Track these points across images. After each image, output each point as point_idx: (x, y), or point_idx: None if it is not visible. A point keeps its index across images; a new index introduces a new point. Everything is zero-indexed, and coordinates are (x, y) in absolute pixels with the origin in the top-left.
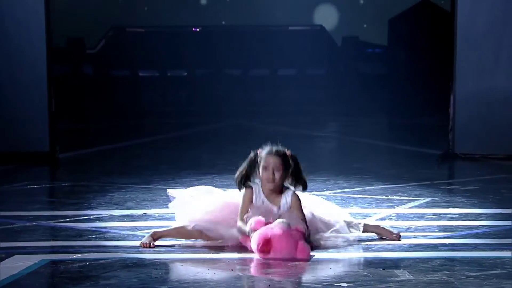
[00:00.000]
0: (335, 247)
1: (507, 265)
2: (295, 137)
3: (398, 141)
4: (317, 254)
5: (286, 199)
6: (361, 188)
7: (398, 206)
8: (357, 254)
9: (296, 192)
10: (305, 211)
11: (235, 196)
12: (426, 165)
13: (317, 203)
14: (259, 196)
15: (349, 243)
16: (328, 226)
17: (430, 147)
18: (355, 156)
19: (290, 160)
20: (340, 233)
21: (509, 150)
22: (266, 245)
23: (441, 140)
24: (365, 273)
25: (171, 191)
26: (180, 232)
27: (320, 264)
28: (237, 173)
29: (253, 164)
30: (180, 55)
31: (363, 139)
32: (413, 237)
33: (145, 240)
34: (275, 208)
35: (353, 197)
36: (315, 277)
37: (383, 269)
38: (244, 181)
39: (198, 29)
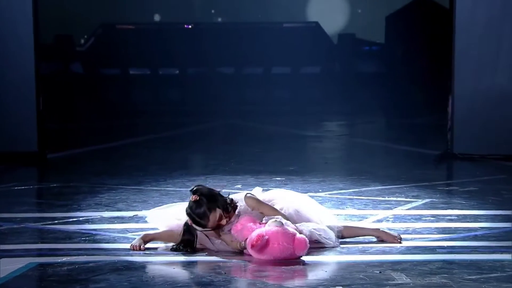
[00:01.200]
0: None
1: (507, 268)
2: (289, 137)
3: (395, 141)
4: (312, 257)
5: (240, 214)
6: (357, 189)
7: (395, 207)
8: (353, 256)
9: (248, 195)
10: (290, 208)
11: None
12: (424, 165)
13: (304, 202)
14: (213, 240)
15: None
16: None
17: (428, 147)
18: (351, 156)
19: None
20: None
21: (509, 150)
22: (260, 241)
23: (439, 140)
24: (361, 276)
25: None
26: (171, 236)
27: (315, 267)
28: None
29: (193, 232)
30: (171, 53)
31: (359, 139)
32: (411, 240)
33: (135, 242)
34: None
35: (349, 198)
36: (310, 281)
37: (380, 272)
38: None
39: (190, 26)
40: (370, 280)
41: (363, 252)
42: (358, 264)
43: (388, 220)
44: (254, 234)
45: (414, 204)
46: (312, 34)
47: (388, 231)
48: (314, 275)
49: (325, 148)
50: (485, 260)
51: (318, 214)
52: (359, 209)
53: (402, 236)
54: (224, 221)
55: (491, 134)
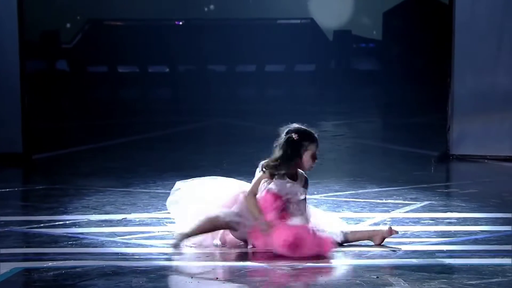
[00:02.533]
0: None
1: (508, 272)
2: None
3: (393, 141)
4: (307, 261)
5: (301, 180)
6: (354, 191)
7: (393, 210)
8: (350, 261)
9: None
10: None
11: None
12: (423, 167)
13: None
14: (283, 179)
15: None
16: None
17: (426, 148)
18: (347, 157)
19: None
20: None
21: (509, 151)
22: (296, 244)
23: (438, 141)
24: (358, 281)
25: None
26: (212, 221)
27: (310, 272)
28: (272, 160)
29: (296, 149)
30: (161, 50)
31: (355, 139)
32: (409, 243)
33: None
34: (300, 190)
35: (346, 201)
36: (306, 286)
37: (377, 277)
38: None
39: (181, 22)
40: (367, 285)
41: (360, 256)
42: (355, 268)
43: (386, 223)
44: (291, 233)
45: (412, 207)
46: (306, 30)
47: (378, 228)
48: (309, 280)
49: (320, 148)
50: (485, 264)
51: (326, 217)
52: (355, 211)
53: (400, 240)
54: (307, 166)
55: (491, 134)
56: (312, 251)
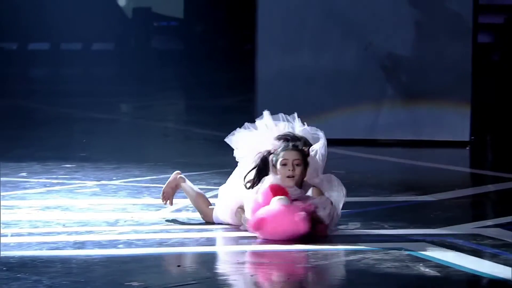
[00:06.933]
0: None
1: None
2: (81, 120)
3: (195, 124)
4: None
5: (307, 190)
6: (155, 177)
7: None
8: (150, 249)
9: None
10: None
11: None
12: (225, 151)
13: None
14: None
15: None
16: None
17: (230, 131)
18: (148, 141)
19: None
20: None
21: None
22: (260, 223)
23: (243, 124)
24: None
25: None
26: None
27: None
28: (246, 178)
29: (266, 164)
30: None
31: (157, 122)
32: (211, 230)
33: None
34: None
35: (146, 187)
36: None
37: (179, 266)
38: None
39: None
40: (168, 274)
41: (160, 244)
42: (155, 257)
43: (188, 210)
44: (258, 213)
45: (215, 192)
46: (104, 7)
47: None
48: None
49: (120, 132)
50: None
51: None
52: (157, 198)
53: (201, 227)
54: (297, 176)
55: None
56: (285, 230)
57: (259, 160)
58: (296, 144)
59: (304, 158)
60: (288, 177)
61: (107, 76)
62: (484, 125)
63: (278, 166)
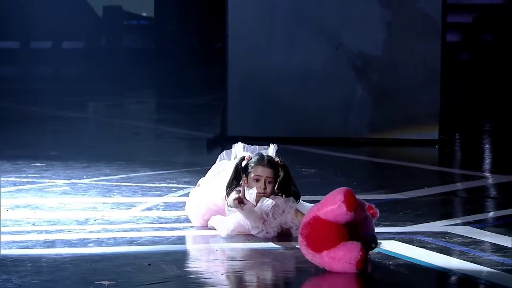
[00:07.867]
0: None
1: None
2: (50, 118)
3: (166, 123)
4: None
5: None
6: (125, 175)
7: (166, 194)
8: (120, 248)
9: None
10: None
11: None
12: (196, 149)
13: None
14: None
15: None
16: None
17: (201, 130)
18: (119, 140)
19: (280, 170)
20: None
21: (286, 132)
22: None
23: (214, 122)
24: (129, 269)
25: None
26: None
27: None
28: (226, 189)
29: (240, 172)
30: None
31: (127, 120)
32: (183, 228)
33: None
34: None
35: (117, 185)
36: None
37: (149, 264)
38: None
39: None
40: (139, 273)
41: (131, 243)
42: (125, 255)
43: (159, 208)
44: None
45: (186, 191)
46: (74, 5)
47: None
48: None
49: (90, 131)
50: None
51: None
52: (127, 196)
53: (173, 225)
54: (268, 193)
55: (267, 115)
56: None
57: (234, 169)
58: (271, 159)
59: (276, 174)
60: (259, 193)
61: (78, 74)
62: (453, 124)
63: (250, 178)
